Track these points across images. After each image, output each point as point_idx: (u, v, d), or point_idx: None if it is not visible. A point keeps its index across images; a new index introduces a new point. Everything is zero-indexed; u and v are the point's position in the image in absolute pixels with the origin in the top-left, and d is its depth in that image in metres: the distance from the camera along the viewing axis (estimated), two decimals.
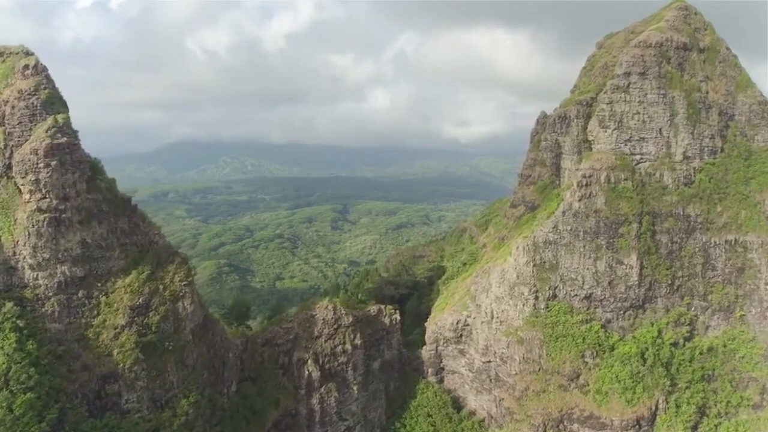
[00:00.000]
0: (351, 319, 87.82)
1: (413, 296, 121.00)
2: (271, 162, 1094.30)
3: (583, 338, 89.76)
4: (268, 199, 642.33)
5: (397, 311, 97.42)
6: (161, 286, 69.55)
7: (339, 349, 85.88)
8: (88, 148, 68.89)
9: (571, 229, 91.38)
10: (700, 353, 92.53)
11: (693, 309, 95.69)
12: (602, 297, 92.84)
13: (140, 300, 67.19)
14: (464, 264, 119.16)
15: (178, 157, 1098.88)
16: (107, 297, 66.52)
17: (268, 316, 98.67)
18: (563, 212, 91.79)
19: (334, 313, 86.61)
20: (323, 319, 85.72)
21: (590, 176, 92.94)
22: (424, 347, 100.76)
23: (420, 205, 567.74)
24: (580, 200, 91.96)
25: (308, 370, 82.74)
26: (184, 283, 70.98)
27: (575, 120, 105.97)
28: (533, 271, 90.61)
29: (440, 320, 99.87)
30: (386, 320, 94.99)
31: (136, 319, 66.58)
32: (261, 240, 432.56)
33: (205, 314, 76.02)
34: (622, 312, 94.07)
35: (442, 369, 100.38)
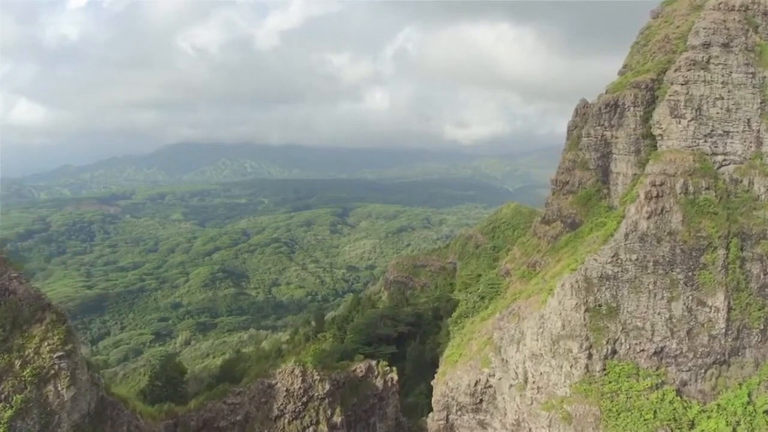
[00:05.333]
0: (328, 386, 62.01)
1: (415, 336, 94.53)
2: (271, 164, 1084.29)
3: (654, 412, 63.98)
4: (266, 202, 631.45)
5: (394, 369, 71.16)
6: (18, 362, 43.88)
7: (310, 431, 60.06)
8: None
9: (637, 259, 65.34)
10: None
11: None
12: (678, 352, 67.05)
13: None
14: (482, 298, 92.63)
15: (176, 159, 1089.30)
16: None
17: (210, 383, 71.84)
18: (626, 235, 65.71)
19: (304, 380, 60.72)
20: (287, 389, 59.83)
21: (662, 184, 67.04)
22: (431, 415, 74.75)
23: (421, 208, 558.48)
24: (648, 218, 65.99)
25: None
26: (57, 354, 45.17)
27: (632, 108, 80.00)
28: (585, 319, 64.52)
29: (452, 378, 73.84)
30: (379, 382, 69.05)
31: None
32: (257, 244, 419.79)
33: (102, 395, 50.17)
34: (702, 371, 68.61)
35: None
